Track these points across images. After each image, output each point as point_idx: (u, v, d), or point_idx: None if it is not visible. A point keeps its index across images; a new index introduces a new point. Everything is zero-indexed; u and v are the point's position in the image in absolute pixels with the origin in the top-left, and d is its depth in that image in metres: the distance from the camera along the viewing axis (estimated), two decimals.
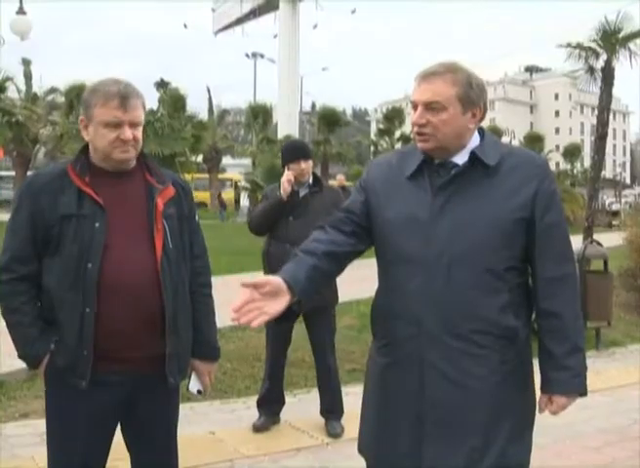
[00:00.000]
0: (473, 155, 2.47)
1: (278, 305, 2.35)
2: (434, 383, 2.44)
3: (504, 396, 2.45)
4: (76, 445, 2.75)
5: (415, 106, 2.48)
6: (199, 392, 3.01)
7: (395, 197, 2.53)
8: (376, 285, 2.72)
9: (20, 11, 15.19)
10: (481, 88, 2.49)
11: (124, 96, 2.69)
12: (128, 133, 2.69)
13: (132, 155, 2.77)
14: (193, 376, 2.98)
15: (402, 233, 2.48)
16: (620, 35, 13.85)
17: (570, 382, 2.49)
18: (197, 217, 3.02)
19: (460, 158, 2.49)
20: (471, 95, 2.45)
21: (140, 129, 2.77)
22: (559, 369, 2.47)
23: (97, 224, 2.66)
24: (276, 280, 2.37)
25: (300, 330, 8.98)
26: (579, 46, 14.15)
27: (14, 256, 2.71)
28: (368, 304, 2.94)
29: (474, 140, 2.52)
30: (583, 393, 2.54)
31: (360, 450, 2.74)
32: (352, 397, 5.40)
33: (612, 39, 13.80)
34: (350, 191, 5.09)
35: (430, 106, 2.43)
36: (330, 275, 2.62)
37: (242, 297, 2.33)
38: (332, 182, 32.21)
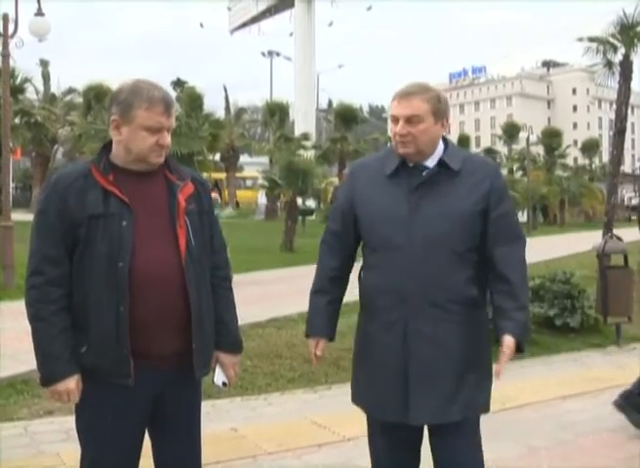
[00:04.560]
0: (442, 161, 3.02)
1: None
2: (417, 343, 2.97)
3: (469, 353, 2.99)
4: (112, 444, 2.75)
5: (396, 120, 3.00)
6: (224, 384, 3.03)
7: (376, 194, 3.07)
8: None
9: (39, 12, 15.24)
10: (446, 103, 3.08)
11: (169, 102, 2.75)
12: (168, 139, 2.76)
13: (163, 159, 2.82)
14: (218, 369, 3.00)
15: (385, 225, 3.01)
16: (639, 29, 13.76)
17: (514, 328, 2.94)
18: (215, 212, 3.06)
19: (431, 162, 3.04)
20: (440, 108, 3.01)
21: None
22: (507, 319, 2.96)
23: (124, 223, 2.67)
24: None
25: None
26: (597, 40, 14.07)
27: (44, 257, 2.68)
28: None
29: (440, 147, 3.07)
30: (523, 338, 2.98)
31: (354, 401, 3.32)
32: None
33: (630, 33, 13.71)
34: None
35: (410, 120, 2.96)
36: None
37: None
38: (333, 179, 32.20)
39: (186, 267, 2.74)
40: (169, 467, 2.94)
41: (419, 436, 3.21)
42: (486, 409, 3.09)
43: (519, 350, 2.97)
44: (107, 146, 2.84)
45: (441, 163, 3.02)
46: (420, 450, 3.26)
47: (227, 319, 3.02)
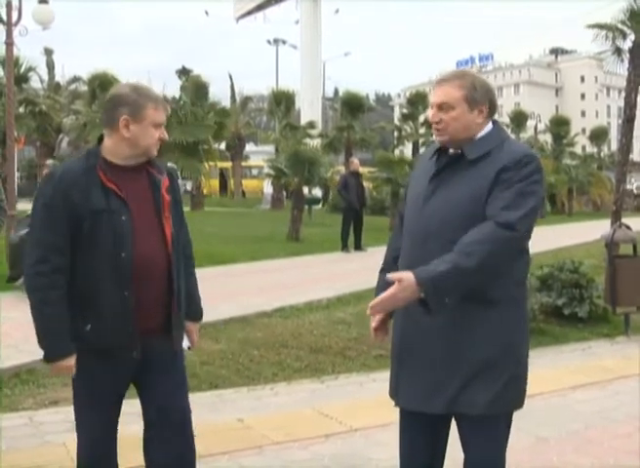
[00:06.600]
0: (462, 149, 2.98)
1: None
2: (407, 327, 3.04)
3: (464, 347, 2.88)
4: (106, 410, 3.15)
5: (431, 107, 3.04)
6: (189, 348, 3.43)
7: (418, 179, 3.15)
8: None
9: (43, 0, 15.24)
10: (485, 89, 3.02)
11: (164, 101, 3.19)
12: (165, 133, 3.17)
13: None
14: (185, 338, 3.37)
15: (409, 210, 3.14)
16: None
17: (421, 270, 2.73)
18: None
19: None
20: (475, 95, 2.97)
21: None
22: (425, 265, 2.77)
23: (123, 217, 3.00)
24: None
25: (325, 314, 9.04)
26: (606, 26, 13.96)
27: (50, 246, 2.96)
28: None
29: (483, 132, 3.01)
30: (428, 287, 2.71)
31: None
32: (380, 383, 5.41)
33: None
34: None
35: (442, 107, 2.98)
36: None
37: None
38: (339, 168, 32.18)
39: (172, 252, 3.12)
40: (158, 406, 3.19)
41: (437, 433, 3.14)
42: (489, 409, 2.90)
43: (425, 306, 2.73)
44: (99, 143, 3.16)
45: (462, 151, 3.00)
46: (440, 454, 3.20)
47: (194, 292, 3.42)
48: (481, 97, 2.99)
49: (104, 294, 2.99)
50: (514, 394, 2.99)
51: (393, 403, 3.17)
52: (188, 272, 3.34)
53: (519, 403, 3.04)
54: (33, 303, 3.01)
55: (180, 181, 3.42)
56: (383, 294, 2.76)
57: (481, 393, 2.90)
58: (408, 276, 2.72)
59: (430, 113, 3.06)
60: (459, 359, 2.90)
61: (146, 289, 3.04)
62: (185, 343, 3.36)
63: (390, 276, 2.77)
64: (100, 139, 3.14)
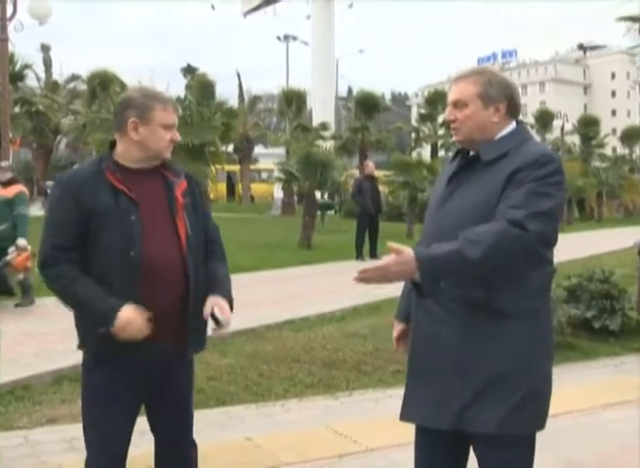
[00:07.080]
0: (478, 150, 3.00)
1: None
2: (416, 337, 3.08)
3: (475, 361, 2.88)
4: (118, 418, 3.20)
5: (448, 105, 3.09)
6: (223, 323, 3.34)
7: (437, 184, 3.22)
8: None
9: None
10: (503, 85, 3.02)
11: (175, 102, 3.32)
12: (178, 134, 3.28)
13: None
14: (216, 310, 3.29)
15: (427, 213, 3.18)
16: None
17: (420, 250, 2.79)
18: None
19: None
20: (490, 92, 2.98)
21: None
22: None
23: (132, 217, 3.12)
24: None
25: (339, 326, 9.02)
26: (639, 19, 13.93)
27: (56, 247, 3.11)
28: None
29: (503, 133, 3.01)
30: (422, 266, 2.73)
31: None
32: (397, 400, 5.37)
33: None
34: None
35: (456, 104, 3.02)
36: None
37: None
38: (354, 171, 32.21)
39: (187, 255, 3.21)
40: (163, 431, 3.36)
41: (453, 452, 3.12)
42: (501, 428, 2.85)
43: (418, 289, 2.82)
44: (111, 148, 3.30)
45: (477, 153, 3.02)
46: None
47: (224, 281, 3.43)
48: (497, 94, 2.99)
49: (113, 295, 3.06)
50: (531, 413, 2.93)
51: (403, 418, 3.16)
52: (217, 257, 3.43)
53: (539, 423, 2.99)
54: (57, 294, 3.15)
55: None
56: (378, 264, 2.75)
57: (492, 410, 2.87)
58: (408, 250, 2.74)
59: (447, 112, 3.11)
60: (468, 373, 2.90)
61: (156, 290, 3.12)
62: (219, 315, 3.31)
63: (390, 244, 2.75)
64: (113, 145, 3.28)
